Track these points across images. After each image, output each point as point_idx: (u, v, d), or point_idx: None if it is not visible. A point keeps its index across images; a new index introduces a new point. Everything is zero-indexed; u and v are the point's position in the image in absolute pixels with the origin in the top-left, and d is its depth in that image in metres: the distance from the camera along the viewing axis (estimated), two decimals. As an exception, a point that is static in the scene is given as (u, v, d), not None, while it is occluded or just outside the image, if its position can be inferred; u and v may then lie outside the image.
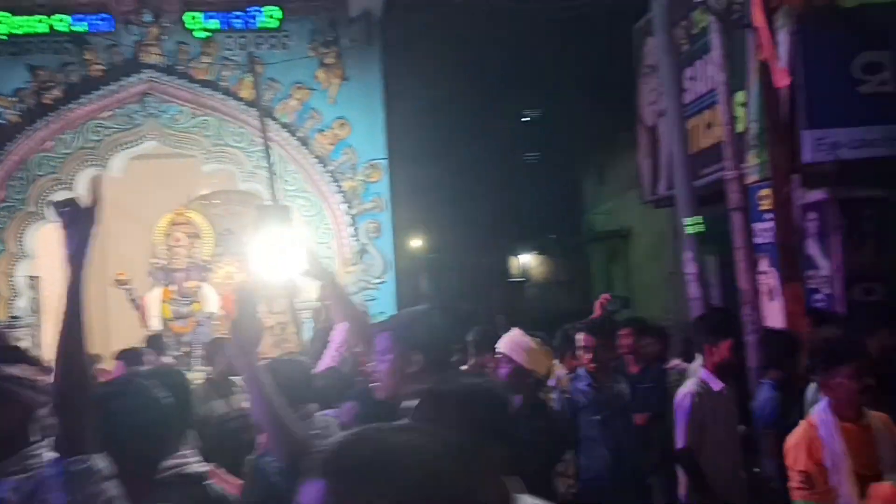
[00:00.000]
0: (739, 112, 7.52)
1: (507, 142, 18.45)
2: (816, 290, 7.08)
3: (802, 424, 3.76)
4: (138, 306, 9.49)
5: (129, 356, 6.46)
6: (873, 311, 6.48)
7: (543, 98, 16.61)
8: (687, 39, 9.33)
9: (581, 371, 5.34)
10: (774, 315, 6.90)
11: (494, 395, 2.00)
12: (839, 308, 6.79)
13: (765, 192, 7.20)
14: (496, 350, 4.57)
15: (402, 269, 10.29)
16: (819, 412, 3.71)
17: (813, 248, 7.16)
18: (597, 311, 6.44)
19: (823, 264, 7.09)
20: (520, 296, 21.83)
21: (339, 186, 9.90)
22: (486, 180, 18.12)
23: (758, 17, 6.74)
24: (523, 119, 19.45)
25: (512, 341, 4.51)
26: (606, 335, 5.38)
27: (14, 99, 9.66)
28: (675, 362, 6.65)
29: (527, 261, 23.04)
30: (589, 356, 5.22)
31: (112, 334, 9.83)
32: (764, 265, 7.33)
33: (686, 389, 4.78)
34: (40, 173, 9.70)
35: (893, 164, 6.72)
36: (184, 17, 9.75)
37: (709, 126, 8.88)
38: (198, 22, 9.78)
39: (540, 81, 14.84)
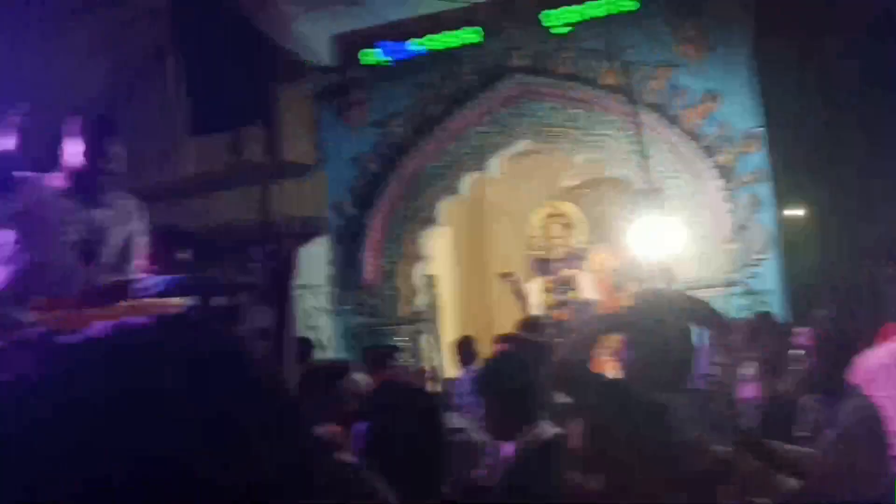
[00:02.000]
0: None
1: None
2: None
3: None
4: (521, 297, 9.89)
5: (507, 340, 6.83)
6: None
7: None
8: None
9: None
10: None
11: None
12: None
13: None
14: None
15: (788, 243, 9.67)
16: None
17: None
18: None
19: None
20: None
21: (714, 161, 9.57)
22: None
23: None
24: None
25: None
26: None
27: (402, 117, 10.63)
28: None
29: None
30: None
31: (495, 322, 10.43)
32: None
33: None
34: (430, 183, 10.58)
35: None
36: (540, 16, 9.99)
37: None
38: (556, 18, 9.99)
39: None
